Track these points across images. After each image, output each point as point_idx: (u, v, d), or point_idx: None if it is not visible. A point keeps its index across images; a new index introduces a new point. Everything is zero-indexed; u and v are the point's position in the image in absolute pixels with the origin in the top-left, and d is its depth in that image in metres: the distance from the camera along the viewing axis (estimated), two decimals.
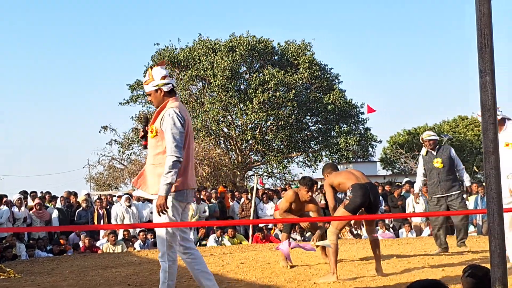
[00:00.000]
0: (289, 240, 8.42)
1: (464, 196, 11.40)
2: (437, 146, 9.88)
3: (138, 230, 13.76)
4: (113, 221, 14.19)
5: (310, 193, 8.51)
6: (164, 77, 5.61)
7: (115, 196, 16.41)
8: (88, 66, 60.50)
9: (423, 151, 9.92)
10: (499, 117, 7.24)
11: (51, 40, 59.09)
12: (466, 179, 10.07)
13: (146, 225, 12.95)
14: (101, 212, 14.29)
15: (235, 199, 16.36)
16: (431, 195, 9.88)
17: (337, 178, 7.67)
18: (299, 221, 8.79)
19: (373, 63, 63.55)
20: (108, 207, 14.78)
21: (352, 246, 10.86)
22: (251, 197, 14.85)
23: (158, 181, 5.28)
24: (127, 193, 15.63)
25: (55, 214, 13.86)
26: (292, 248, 8.23)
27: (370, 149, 36.37)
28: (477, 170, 38.85)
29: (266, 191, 16.76)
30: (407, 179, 19.32)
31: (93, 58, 60.64)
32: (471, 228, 14.01)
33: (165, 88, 5.59)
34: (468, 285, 3.62)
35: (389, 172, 41.20)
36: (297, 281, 7.19)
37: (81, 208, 14.31)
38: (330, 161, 10.24)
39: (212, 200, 15.49)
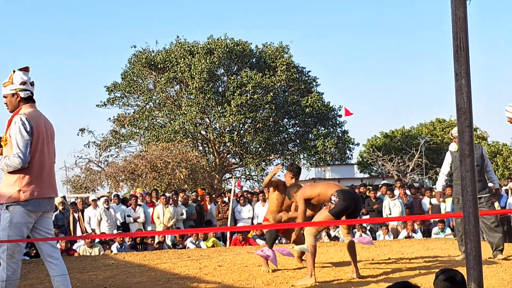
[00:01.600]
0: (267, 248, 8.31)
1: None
2: None
3: (115, 232, 13.68)
4: (86, 225, 14.09)
5: (294, 180, 8.10)
6: (23, 83, 5.52)
7: (90, 198, 16.25)
8: (65, 68, 60.05)
9: (453, 146, 9.10)
10: None
11: (27, 41, 58.58)
12: (495, 181, 9.41)
13: (133, 233, 12.87)
14: (76, 215, 14.17)
15: (213, 202, 16.33)
16: (458, 196, 8.97)
17: (315, 190, 7.49)
18: (279, 227, 8.35)
19: (351, 66, 63.88)
20: (84, 209, 14.68)
21: (330, 248, 10.89)
22: (229, 200, 14.83)
23: (12, 190, 5.29)
24: (104, 196, 15.52)
25: None
26: (270, 260, 7.93)
27: (347, 151, 36.56)
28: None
29: (244, 194, 16.75)
30: (384, 181, 19.42)
31: (70, 59, 60.20)
32: (448, 231, 14.13)
33: (22, 94, 5.50)
34: None
35: (366, 175, 41.39)
36: (274, 284, 7.19)
37: (58, 211, 14.18)
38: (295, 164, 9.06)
39: (189, 202, 15.43)
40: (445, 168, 9.21)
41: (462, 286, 3.77)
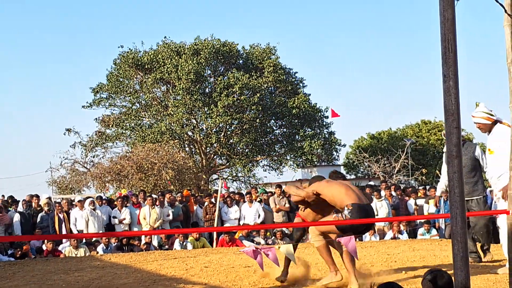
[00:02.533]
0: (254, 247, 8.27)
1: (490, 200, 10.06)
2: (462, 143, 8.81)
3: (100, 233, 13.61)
4: (72, 226, 14.01)
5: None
6: None
7: (74, 200, 16.15)
8: (51, 69, 59.72)
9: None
10: (488, 122, 7.25)
11: (13, 42, 58.22)
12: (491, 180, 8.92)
13: (119, 233, 12.81)
14: (61, 216, 14.09)
15: (199, 203, 16.29)
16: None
17: (331, 189, 6.66)
18: (269, 227, 8.20)
19: (338, 67, 64.04)
20: (69, 210, 14.60)
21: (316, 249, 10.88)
22: (216, 201, 14.80)
23: None
24: (90, 197, 15.44)
25: (16, 218, 13.60)
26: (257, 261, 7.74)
27: (334, 153, 36.64)
28: (439, 174, 39.40)
29: (230, 195, 16.73)
30: (370, 182, 19.47)
31: (56, 60, 59.86)
32: (434, 232, 14.19)
33: None
34: None
35: (353, 176, 41.49)
36: (261, 285, 7.18)
37: (43, 211, 14.10)
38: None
39: (176, 203, 15.38)
40: (443, 170, 8.86)
41: (449, 286, 3.80)
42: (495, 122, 7.29)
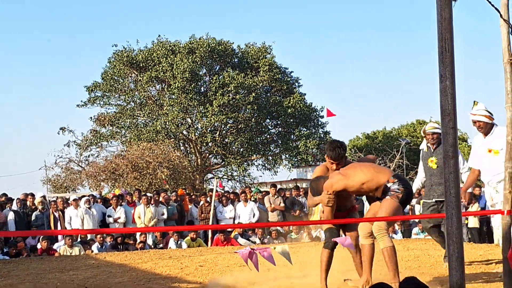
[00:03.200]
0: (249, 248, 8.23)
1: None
2: (439, 142, 8.00)
3: None
4: (67, 225, 13.98)
5: (335, 166, 6.35)
6: None
7: (69, 199, 16.11)
8: (46, 67, 59.52)
9: (423, 145, 8.49)
10: (489, 122, 7.15)
11: (7, 39, 58.01)
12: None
13: (110, 230, 12.78)
14: (56, 214, 14.06)
15: (193, 202, 16.28)
16: (424, 198, 8.60)
17: (356, 178, 5.98)
18: (266, 226, 8.05)
19: (333, 67, 64.05)
20: (64, 209, 14.57)
21: (311, 249, 10.89)
22: (211, 200, 14.79)
23: None
24: (84, 195, 15.41)
25: (11, 216, 13.57)
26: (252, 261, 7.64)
27: None
28: None
29: (225, 194, 16.72)
30: None
31: (50, 58, 59.69)
32: (416, 230, 14.21)
33: None
34: None
35: None
36: (257, 285, 7.17)
37: (37, 210, 14.06)
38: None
39: (171, 203, 15.36)
40: (420, 168, 8.58)
41: None
42: (493, 124, 7.24)
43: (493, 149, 7.13)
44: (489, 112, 7.19)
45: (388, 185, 5.94)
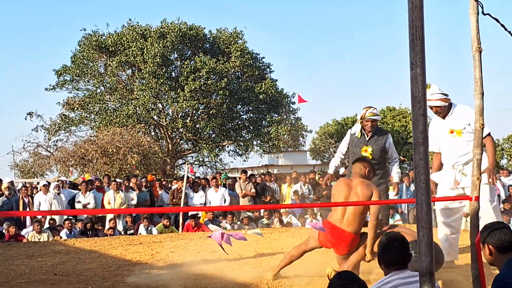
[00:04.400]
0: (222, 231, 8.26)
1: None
2: (375, 131, 7.96)
3: (64, 218, 13.47)
4: (35, 210, 13.86)
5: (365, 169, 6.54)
6: None
7: (38, 184, 15.96)
8: (12, 50, 58.61)
9: (355, 129, 7.97)
10: (445, 104, 6.91)
11: None
12: (396, 174, 8.11)
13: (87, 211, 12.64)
14: (26, 200, 13.92)
15: (163, 188, 16.23)
16: None
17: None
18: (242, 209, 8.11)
19: (304, 53, 64.16)
20: (33, 195, 14.43)
21: (282, 234, 10.96)
22: (183, 185, 14.77)
23: None
24: (53, 181, 15.27)
25: None
26: (224, 241, 7.77)
27: (300, 138, 36.81)
28: (403, 159, 39.89)
29: (196, 180, 16.70)
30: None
31: (17, 41, 58.78)
32: (397, 217, 14.38)
33: None
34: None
35: (319, 162, 41.78)
36: (227, 270, 7.20)
37: (4, 196, 13.89)
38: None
39: (142, 188, 15.29)
40: (342, 148, 8.15)
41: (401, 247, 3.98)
42: (450, 104, 7.02)
43: (455, 129, 6.89)
44: (443, 94, 6.97)
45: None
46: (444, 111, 6.99)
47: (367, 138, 7.85)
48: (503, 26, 3.95)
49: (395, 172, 8.05)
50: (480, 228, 4.08)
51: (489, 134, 6.72)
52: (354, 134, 7.93)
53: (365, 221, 6.40)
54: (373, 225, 6.15)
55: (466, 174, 6.78)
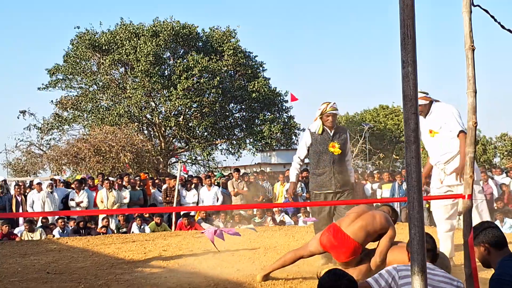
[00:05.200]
0: (215, 228, 8.29)
1: None
2: (336, 126, 7.63)
3: (56, 217, 13.45)
4: (28, 209, 13.83)
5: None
6: None
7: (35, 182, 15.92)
8: (5, 49, 58.38)
9: (316, 126, 7.50)
10: (426, 102, 6.91)
11: None
12: (351, 173, 7.67)
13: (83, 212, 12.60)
14: (19, 198, 13.88)
15: (157, 186, 16.21)
16: (316, 189, 7.58)
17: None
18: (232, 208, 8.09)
19: (297, 52, 64.18)
20: (25, 193, 14.39)
21: (275, 233, 10.97)
22: (176, 184, 14.75)
23: None
24: (46, 179, 15.23)
25: None
26: (216, 236, 7.86)
27: (293, 137, 36.78)
28: (396, 157, 40.02)
29: (189, 179, 16.69)
30: None
31: (10, 40, 58.54)
32: None
33: None
34: None
35: None
36: (220, 268, 7.20)
37: None
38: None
39: (136, 187, 15.25)
40: (302, 151, 7.67)
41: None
42: (431, 102, 6.97)
43: (433, 130, 6.90)
44: (423, 92, 6.92)
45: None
46: (425, 109, 6.95)
47: (331, 134, 7.50)
48: (492, 17, 3.97)
49: (351, 172, 7.69)
50: (462, 226, 4.11)
51: (462, 132, 6.63)
52: (314, 132, 7.51)
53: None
54: (375, 263, 5.88)
55: (446, 173, 6.84)
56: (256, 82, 34.11)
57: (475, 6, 3.87)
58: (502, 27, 4.04)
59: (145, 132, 34.57)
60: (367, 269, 5.90)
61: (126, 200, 14.59)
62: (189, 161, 36.40)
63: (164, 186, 15.56)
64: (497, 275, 3.58)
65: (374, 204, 9.86)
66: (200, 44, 34.99)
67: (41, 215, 13.47)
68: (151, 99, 33.38)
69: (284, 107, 35.99)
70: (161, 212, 13.83)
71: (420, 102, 6.73)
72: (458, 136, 6.72)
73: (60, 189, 14.95)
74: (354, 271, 5.73)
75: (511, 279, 3.49)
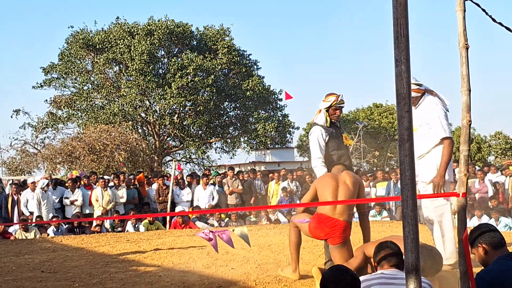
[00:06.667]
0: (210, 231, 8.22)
1: None
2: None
3: (50, 216, 13.42)
4: (23, 208, 13.79)
5: None
6: None
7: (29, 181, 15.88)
8: (0, 47, 58.20)
9: (322, 120, 6.88)
10: (418, 95, 6.50)
11: None
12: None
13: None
14: (15, 197, 13.85)
15: (151, 185, 16.18)
16: None
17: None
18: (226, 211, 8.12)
19: (291, 50, 64.20)
20: (20, 192, 14.35)
21: (269, 231, 10.98)
22: (170, 182, 14.74)
23: None
24: (41, 178, 15.18)
25: None
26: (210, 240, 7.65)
27: (287, 135, 36.80)
28: (390, 155, 40.08)
29: (183, 177, 16.67)
30: None
31: (5, 39, 58.39)
32: (384, 213, 14.44)
33: None
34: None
35: (306, 159, 41.85)
36: (214, 267, 7.19)
37: None
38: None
39: (131, 186, 15.20)
40: (321, 150, 6.83)
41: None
42: (424, 93, 6.57)
43: (415, 126, 6.33)
44: (416, 83, 6.47)
45: None
46: (416, 102, 6.56)
47: (340, 127, 7.06)
48: (484, 10, 3.96)
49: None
50: (457, 224, 4.12)
51: (446, 138, 6.34)
52: (322, 125, 6.85)
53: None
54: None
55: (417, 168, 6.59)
56: (250, 80, 34.11)
57: (466, 0, 3.87)
58: (494, 20, 4.04)
59: (140, 130, 34.53)
60: (361, 254, 6.00)
61: (123, 200, 14.56)
62: (183, 159, 36.39)
63: (156, 186, 15.49)
64: (483, 272, 3.61)
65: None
66: (194, 42, 34.97)
67: (39, 223, 13.39)
68: (145, 98, 33.34)
69: (278, 106, 35.99)
70: (156, 216, 13.67)
71: (413, 94, 6.12)
72: (443, 141, 6.41)
73: (58, 189, 14.86)
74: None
75: (494, 276, 3.52)
